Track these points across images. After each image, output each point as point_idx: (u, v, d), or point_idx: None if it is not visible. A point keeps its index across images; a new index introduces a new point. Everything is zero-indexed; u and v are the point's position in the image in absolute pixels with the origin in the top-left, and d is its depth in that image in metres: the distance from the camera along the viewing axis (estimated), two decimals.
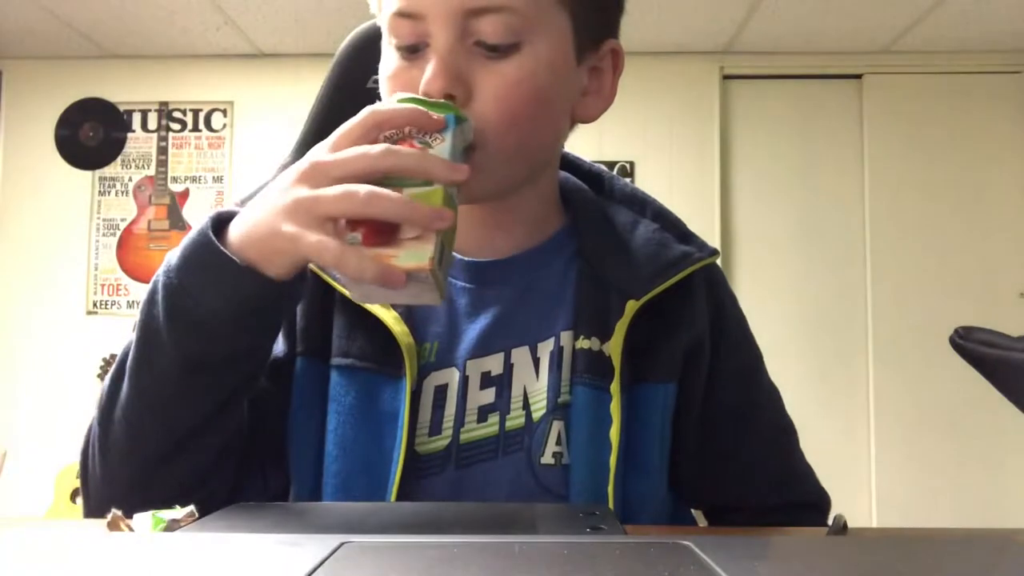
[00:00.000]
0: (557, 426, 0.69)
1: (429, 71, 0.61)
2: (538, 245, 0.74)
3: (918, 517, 3.16)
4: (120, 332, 3.22)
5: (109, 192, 3.50)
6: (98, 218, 3.49)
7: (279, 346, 0.70)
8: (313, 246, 0.52)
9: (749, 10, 3.04)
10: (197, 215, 3.42)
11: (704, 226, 3.27)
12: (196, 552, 0.40)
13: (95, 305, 3.45)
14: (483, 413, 0.69)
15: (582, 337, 0.69)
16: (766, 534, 0.62)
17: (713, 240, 3.21)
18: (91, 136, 3.51)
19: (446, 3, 0.61)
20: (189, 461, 0.62)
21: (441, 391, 0.69)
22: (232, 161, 3.49)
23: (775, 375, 0.80)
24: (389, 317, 0.67)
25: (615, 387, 0.67)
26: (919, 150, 3.36)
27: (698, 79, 3.42)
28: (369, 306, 0.68)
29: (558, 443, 0.69)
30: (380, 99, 0.66)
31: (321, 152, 0.56)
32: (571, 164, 0.82)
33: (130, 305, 3.43)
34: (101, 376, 3.23)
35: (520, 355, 0.70)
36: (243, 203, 0.59)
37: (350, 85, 0.86)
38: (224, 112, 3.51)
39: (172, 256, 0.58)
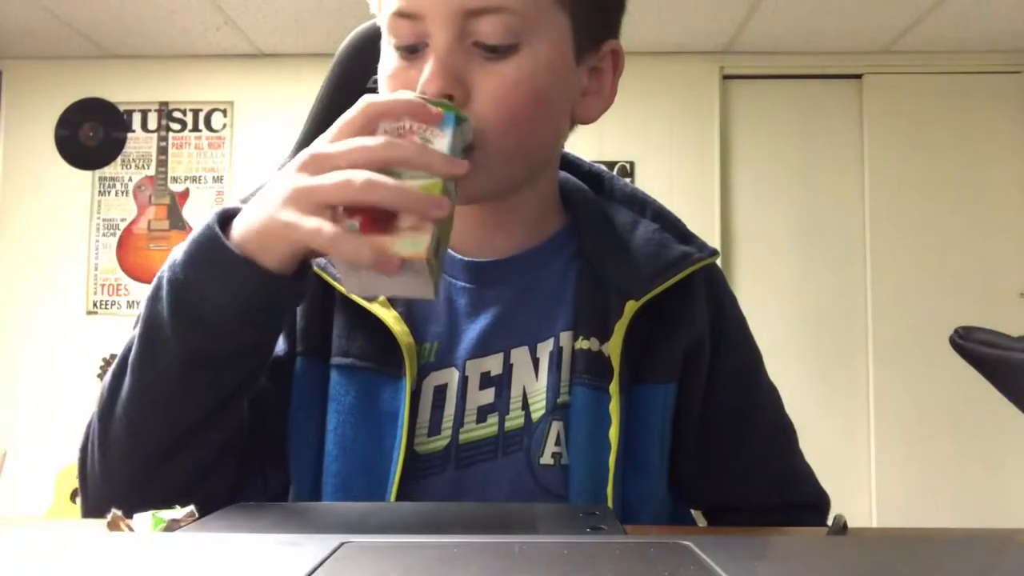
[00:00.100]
0: (556, 426, 0.69)
1: (427, 71, 0.61)
2: (538, 245, 0.74)
3: (918, 517, 3.16)
4: (120, 332, 3.22)
5: (109, 192, 3.50)
6: (98, 218, 3.49)
7: (279, 345, 0.70)
8: (308, 231, 0.52)
9: (749, 10, 3.04)
10: (197, 215, 3.42)
11: (704, 226, 3.27)
12: (196, 552, 0.40)
13: (95, 305, 3.45)
14: (482, 413, 0.69)
15: (581, 337, 0.69)
16: (766, 534, 0.62)
17: (713, 240, 3.21)
18: (91, 136, 3.51)
19: (445, 3, 0.61)
20: (189, 459, 0.62)
21: (440, 391, 0.69)
22: (232, 161, 3.49)
23: (775, 375, 0.80)
24: (389, 317, 0.67)
25: (614, 387, 0.67)
26: (919, 150, 3.36)
27: (698, 79, 3.42)
28: (369, 305, 0.68)
29: (557, 443, 0.69)
30: None
31: (322, 143, 0.56)
32: (571, 164, 0.82)
33: (130, 305, 3.43)
34: (101, 376, 3.22)
35: (519, 355, 0.70)
36: (244, 202, 0.60)
37: (350, 85, 0.86)
38: (224, 112, 3.51)
39: (177, 252, 0.58)
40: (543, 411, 0.69)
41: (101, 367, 3.28)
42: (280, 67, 3.47)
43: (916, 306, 3.28)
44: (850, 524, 0.51)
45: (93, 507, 0.64)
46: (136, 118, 3.52)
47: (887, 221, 3.34)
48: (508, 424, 0.69)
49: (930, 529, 0.60)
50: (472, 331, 0.71)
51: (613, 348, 0.68)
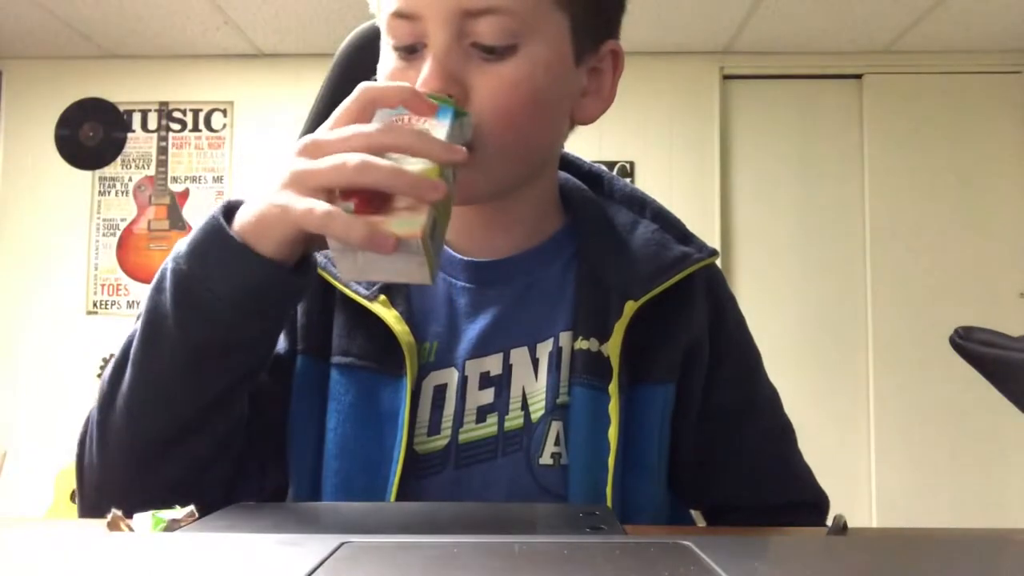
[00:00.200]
0: (556, 427, 0.69)
1: (425, 71, 0.61)
2: (538, 245, 0.74)
3: (918, 517, 3.16)
4: (120, 332, 3.22)
5: (109, 192, 3.50)
6: (98, 218, 3.49)
7: (280, 343, 0.70)
8: (301, 212, 0.52)
9: (749, 10, 3.04)
10: (197, 215, 3.43)
11: (704, 226, 3.27)
12: (196, 552, 0.40)
13: (95, 305, 3.45)
14: (482, 413, 0.69)
15: (581, 338, 0.69)
16: (766, 534, 0.62)
17: (713, 240, 3.22)
18: (91, 136, 3.51)
19: (443, 4, 0.61)
20: (188, 452, 0.62)
21: (440, 391, 0.69)
22: (232, 161, 3.50)
23: (775, 375, 0.80)
24: (390, 316, 0.67)
25: (613, 388, 0.67)
26: (919, 150, 3.36)
27: (698, 79, 3.42)
28: (370, 305, 0.68)
29: (557, 443, 0.69)
30: None
31: (321, 131, 0.56)
32: (571, 164, 0.82)
33: (130, 305, 3.43)
34: (101, 375, 3.23)
35: (519, 355, 0.70)
36: None
37: (350, 85, 0.86)
38: (224, 112, 3.51)
39: (181, 244, 0.58)
40: (542, 411, 0.69)
41: (101, 367, 3.28)
42: (280, 67, 3.47)
43: (916, 306, 3.28)
44: (850, 524, 0.50)
45: (90, 501, 0.64)
46: (136, 118, 3.52)
47: (887, 221, 3.34)
48: (508, 424, 0.69)
49: (930, 529, 0.60)
50: (472, 331, 0.71)
51: (612, 348, 0.68)
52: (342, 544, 0.39)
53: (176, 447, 0.61)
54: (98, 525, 0.48)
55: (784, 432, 0.80)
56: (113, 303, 3.44)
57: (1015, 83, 3.38)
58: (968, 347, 0.57)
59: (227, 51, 3.45)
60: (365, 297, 0.68)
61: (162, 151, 3.50)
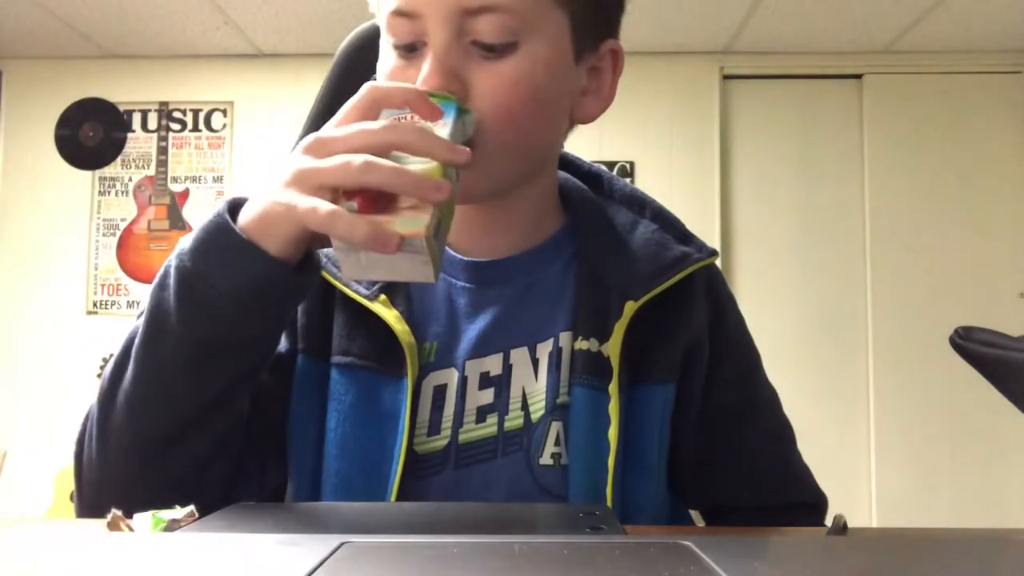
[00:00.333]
0: (556, 427, 0.69)
1: (425, 69, 0.61)
2: (538, 245, 0.74)
3: (918, 517, 3.16)
4: (120, 332, 3.22)
5: (109, 192, 3.50)
6: (98, 218, 3.49)
7: (281, 342, 0.70)
8: (305, 210, 0.52)
9: (749, 10, 3.04)
10: (197, 215, 3.43)
11: (704, 226, 3.27)
12: (196, 552, 0.40)
13: (95, 305, 3.45)
14: (482, 414, 0.69)
15: (581, 338, 0.69)
16: (766, 534, 0.62)
17: (713, 240, 3.22)
18: (91, 136, 3.51)
19: (443, 2, 0.61)
20: (188, 450, 0.61)
21: (440, 391, 0.69)
22: (232, 161, 3.50)
23: (775, 375, 0.80)
24: (390, 316, 0.67)
25: (613, 388, 0.67)
26: (919, 150, 3.36)
27: (698, 79, 3.43)
28: (370, 304, 0.68)
29: (557, 444, 0.69)
30: None
31: (327, 128, 0.56)
32: (571, 164, 0.82)
33: (130, 305, 3.43)
34: (101, 375, 3.23)
35: (519, 356, 0.70)
36: None
37: (350, 85, 0.86)
38: (224, 112, 3.51)
39: (185, 241, 0.58)
40: (542, 411, 0.69)
41: (101, 367, 3.28)
42: (280, 67, 3.47)
43: (916, 306, 3.28)
44: (850, 524, 0.50)
45: (88, 499, 0.64)
46: (136, 118, 3.52)
47: (887, 221, 3.34)
48: (507, 424, 0.69)
49: (930, 529, 0.60)
50: (472, 331, 0.71)
51: (612, 348, 0.68)
52: (342, 544, 0.39)
53: (176, 445, 0.61)
54: (98, 525, 0.48)
55: (784, 432, 0.80)
56: (113, 303, 3.44)
57: (1015, 83, 3.38)
58: (968, 347, 0.57)
59: (227, 51, 3.45)
60: (365, 297, 0.68)
61: (162, 151, 3.50)
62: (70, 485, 2.90)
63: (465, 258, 0.73)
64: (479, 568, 0.36)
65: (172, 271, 0.57)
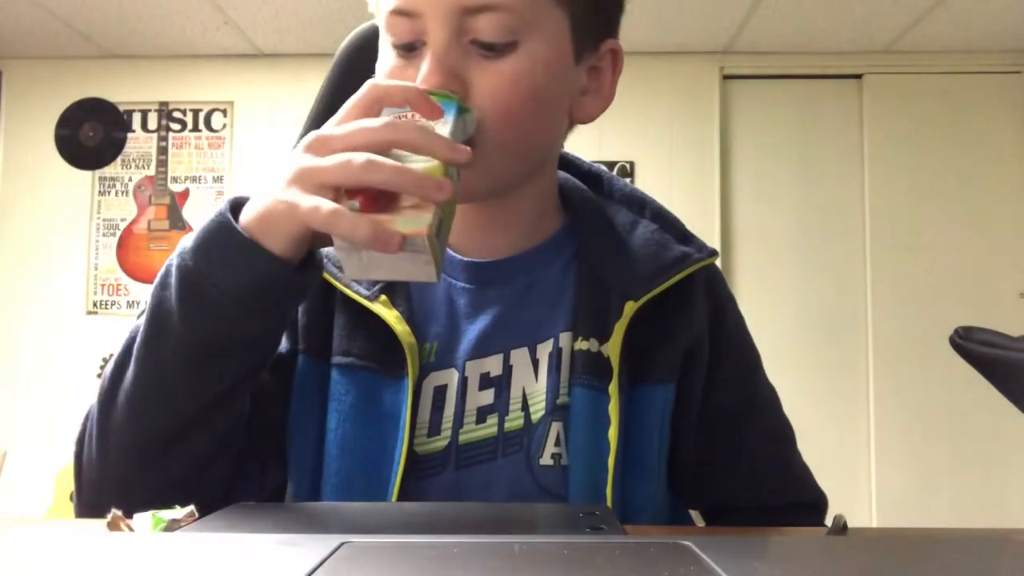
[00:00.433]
0: (556, 427, 0.69)
1: (424, 68, 0.61)
2: (538, 245, 0.74)
3: (918, 517, 3.16)
4: (120, 332, 3.22)
5: (109, 192, 3.50)
6: (98, 218, 3.49)
7: (282, 342, 0.70)
8: (306, 210, 0.52)
9: (749, 10, 3.04)
10: (197, 215, 3.43)
11: (704, 226, 3.27)
12: (196, 552, 0.40)
13: (95, 305, 3.45)
14: (482, 414, 0.69)
15: (581, 338, 0.69)
16: (766, 534, 0.62)
17: (713, 240, 3.22)
18: (91, 136, 3.51)
19: (442, 1, 0.61)
20: (188, 450, 0.61)
21: (440, 392, 0.69)
22: (232, 161, 3.50)
23: (775, 375, 0.80)
24: (391, 316, 0.67)
25: (613, 388, 0.67)
26: (919, 150, 3.36)
27: (698, 79, 3.42)
28: (370, 305, 0.68)
29: (557, 444, 0.69)
30: None
31: (328, 126, 0.56)
32: (570, 164, 0.82)
33: (130, 305, 3.43)
34: (101, 375, 3.23)
35: (519, 356, 0.70)
36: None
37: (350, 85, 0.86)
38: (224, 112, 3.51)
39: (187, 240, 0.58)
40: (543, 412, 0.69)
41: (101, 367, 3.28)
42: (280, 67, 3.47)
43: (916, 306, 3.28)
44: (850, 524, 0.50)
45: (88, 499, 0.64)
46: (136, 118, 3.52)
47: (887, 221, 3.34)
48: (508, 425, 0.69)
49: (930, 529, 0.60)
50: (472, 331, 0.71)
51: (612, 349, 0.68)
52: (342, 544, 0.39)
53: (177, 444, 0.61)
54: (98, 525, 0.48)
55: (784, 432, 0.80)
56: (113, 303, 3.44)
57: (1015, 83, 3.38)
58: (968, 347, 0.57)
59: (227, 51, 3.45)
60: (366, 297, 0.68)
61: (162, 151, 3.50)
62: (70, 485, 2.90)
63: (465, 258, 0.73)
64: (479, 568, 0.36)
65: (174, 270, 0.57)
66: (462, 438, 0.69)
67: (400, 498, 0.65)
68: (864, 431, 3.29)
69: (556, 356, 0.70)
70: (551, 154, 0.74)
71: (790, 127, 3.43)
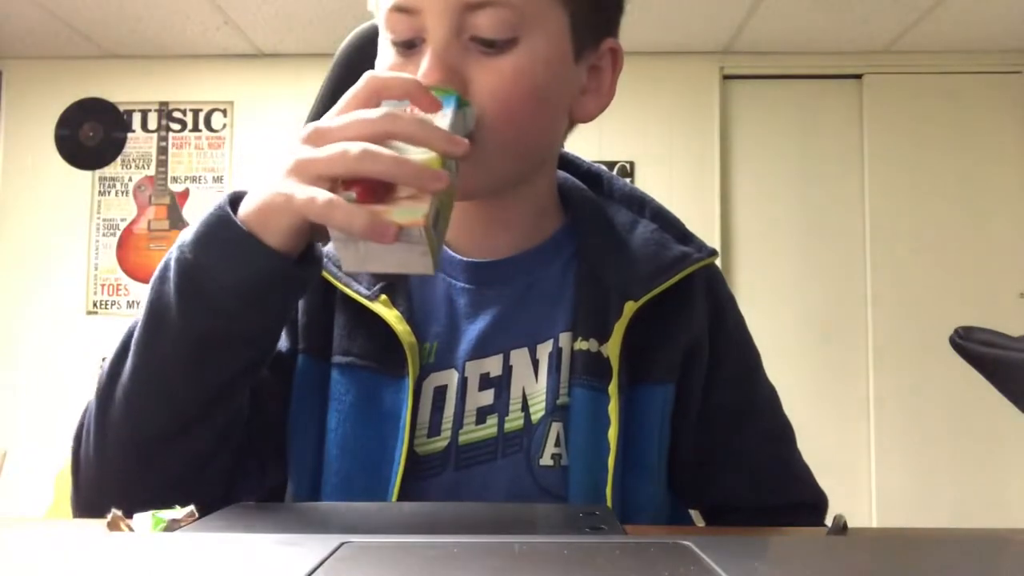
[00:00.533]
0: (556, 428, 0.69)
1: (424, 65, 0.61)
2: (537, 245, 0.74)
3: (918, 517, 3.16)
4: (120, 332, 3.22)
5: (109, 192, 3.50)
6: (98, 218, 3.49)
7: (282, 341, 0.69)
8: (302, 201, 0.52)
9: (749, 10, 3.04)
10: (197, 215, 3.42)
11: (704, 226, 3.27)
12: (196, 552, 0.40)
13: (95, 305, 3.45)
14: (481, 415, 0.69)
15: (580, 338, 0.69)
16: (766, 534, 0.62)
17: (713, 240, 3.22)
18: (91, 136, 3.51)
19: None
20: (187, 447, 0.61)
21: (440, 392, 0.69)
22: (232, 161, 3.50)
23: (775, 375, 0.80)
24: (391, 316, 0.67)
25: (613, 388, 0.67)
26: (919, 150, 3.36)
27: (698, 79, 3.43)
28: (371, 304, 0.68)
29: (557, 445, 0.69)
30: None
31: (325, 119, 0.56)
32: (570, 164, 0.82)
33: (130, 305, 3.43)
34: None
35: (519, 357, 0.70)
36: None
37: (350, 85, 0.86)
38: (224, 112, 3.51)
39: (186, 234, 0.57)
40: (543, 412, 0.69)
41: (101, 367, 3.28)
42: (280, 67, 3.47)
43: (916, 306, 3.28)
44: (850, 524, 0.50)
45: (85, 497, 0.63)
46: (136, 118, 3.52)
47: (887, 221, 3.34)
48: (508, 426, 0.69)
49: (930, 529, 0.60)
50: (472, 332, 0.70)
51: (612, 349, 0.68)
52: (342, 544, 0.39)
53: (175, 440, 0.60)
54: (98, 525, 0.48)
55: (784, 432, 0.79)
56: (113, 303, 3.44)
57: (1015, 83, 3.38)
58: (968, 347, 0.57)
59: (227, 51, 3.45)
60: (366, 297, 0.68)
61: (162, 151, 3.50)
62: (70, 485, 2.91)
63: (465, 258, 0.73)
64: (479, 568, 0.36)
65: (172, 263, 0.57)
66: (462, 439, 0.69)
67: (400, 498, 0.65)
68: (864, 431, 3.29)
69: (556, 356, 0.70)
70: (551, 153, 0.74)
71: (790, 127, 3.43)
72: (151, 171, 3.50)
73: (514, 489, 0.68)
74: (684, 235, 0.75)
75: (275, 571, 0.36)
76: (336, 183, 0.53)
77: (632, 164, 3.38)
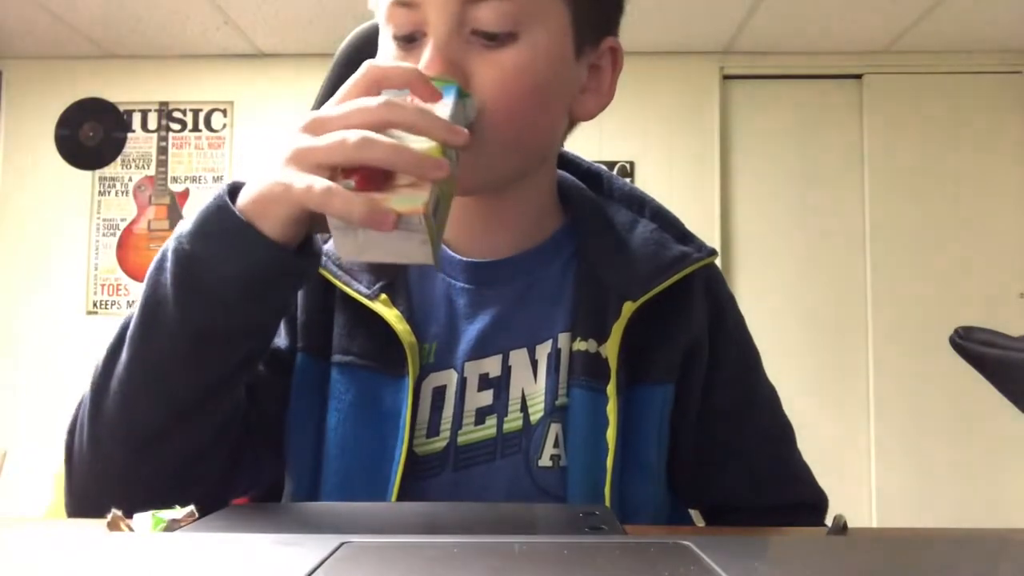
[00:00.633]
0: (555, 428, 0.69)
1: (425, 58, 0.61)
2: (537, 245, 0.74)
3: (918, 517, 3.16)
4: None
5: (109, 192, 3.50)
6: (98, 218, 3.49)
7: (281, 339, 0.69)
8: (301, 189, 0.51)
9: (749, 10, 3.04)
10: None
11: (704, 226, 3.27)
12: (196, 552, 0.40)
13: (95, 305, 3.45)
14: (480, 415, 0.69)
15: (579, 339, 0.69)
16: (766, 534, 0.62)
17: (713, 240, 3.22)
18: (91, 136, 3.51)
19: None
20: (181, 441, 0.60)
21: (439, 392, 0.69)
22: (232, 161, 3.50)
23: (775, 375, 0.80)
24: (391, 315, 0.67)
25: (611, 389, 0.67)
26: (919, 150, 3.36)
27: (698, 79, 3.43)
28: (371, 304, 0.67)
29: (556, 445, 0.68)
30: None
31: (325, 108, 0.56)
32: (570, 163, 0.82)
33: (130, 305, 3.42)
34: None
35: (518, 357, 0.70)
36: None
37: None
38: (224, 112, 3.51)
39: (184, 225, 0.57)
40: (542, 413, 0.69)
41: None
42: (280, 67, 3.47)
43: (916, 306, 3.28)
44: (850, 524, 0.50)
45: (79, 491, 0.62)
46: (136, 118, 3.52)
47: (887, 221, 3.34)
48: (507, 426, 0.69)
49: (930, 529, 0.60)
50: (471, 332, 0.70)
51: (611, 349, 0.68)
52: (342, 544, 0.39)
53: (171, 434, 0.59)
54: (98, 525, 0.48)
55: (784, 432, 0.79)
56: (113, 303, 3.45)
57: (1015, 83, 3.38)
58: (968, 347, 0.57)
59: (227, 51, 3.45)
60: (366, 296, 0.68)
61: (162, 151, 3.50)
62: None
63: (465, 258, 0.73)
64: (479, 568, 0.36)
65: (170, 254, 0.56)
66: (460, 439, 0.68)
67: (399, 498, 0.64)
68: (864, 431, 3.29)
69: (555, 357, 0.70)
70: (551, 151, 0.74)
71: (790, 127, 3.43)
72: (151, 171, 3.50)
73: (513, 490, 0.68)
74: (684, 235, 0.75)
75: (275, 571, 0.36)
76: (336, 172, 0.52)
77: (632, 164, 3.38)
